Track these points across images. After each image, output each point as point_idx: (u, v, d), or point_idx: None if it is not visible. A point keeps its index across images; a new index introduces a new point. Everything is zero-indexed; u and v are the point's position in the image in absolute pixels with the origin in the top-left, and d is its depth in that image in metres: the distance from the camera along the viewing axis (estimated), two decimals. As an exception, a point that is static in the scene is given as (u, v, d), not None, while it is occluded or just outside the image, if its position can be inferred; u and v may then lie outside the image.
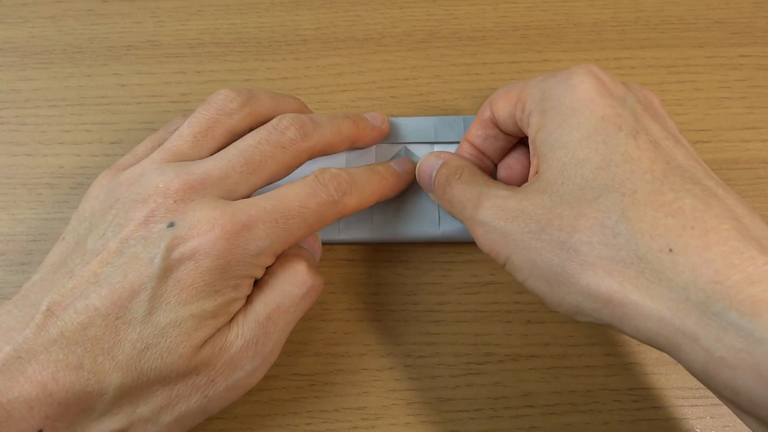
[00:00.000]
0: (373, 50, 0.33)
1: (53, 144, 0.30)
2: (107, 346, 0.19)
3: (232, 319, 0.21)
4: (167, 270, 0.19)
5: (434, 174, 0.25)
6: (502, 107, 0.23)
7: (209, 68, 0.32)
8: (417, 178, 0.26)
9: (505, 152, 0.25)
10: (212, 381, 0.20)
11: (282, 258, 0.22)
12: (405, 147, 0.29)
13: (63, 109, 0.31)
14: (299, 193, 0.22)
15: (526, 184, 0.21)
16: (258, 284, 0.22)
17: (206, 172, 0.21)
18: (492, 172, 0.26)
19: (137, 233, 0.20)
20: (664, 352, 0.17)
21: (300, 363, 0.26)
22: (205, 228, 0.20)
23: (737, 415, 0.17)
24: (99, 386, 0.19)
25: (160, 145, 0.24)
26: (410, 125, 0.29)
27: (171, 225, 0.20)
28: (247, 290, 0.21)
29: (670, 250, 0.16)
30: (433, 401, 0.25)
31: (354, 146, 0.27)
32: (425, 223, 0.27)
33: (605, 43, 0.33)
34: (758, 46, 0.32)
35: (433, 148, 0.29)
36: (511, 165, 0.25)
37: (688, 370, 0.17)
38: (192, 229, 0.20)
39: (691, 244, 0.16)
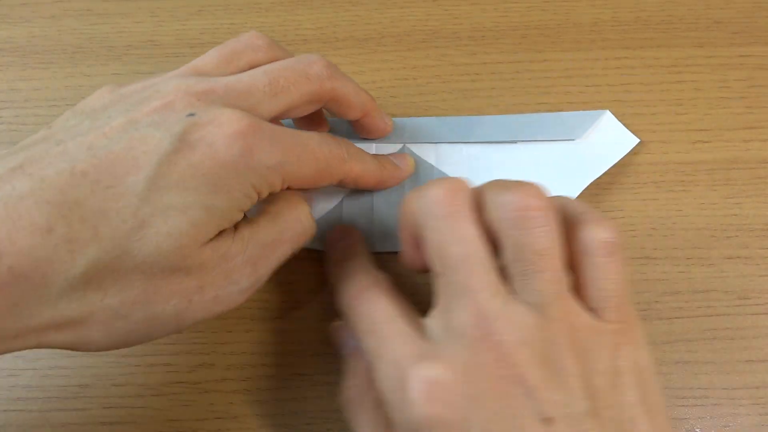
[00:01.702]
0: (373, 50, 0.33)
1: (53, 144, 0.30)
2: (89, 213, 0.16)
3: (237, 231, 0.20)
4: (180, 150, 0.17)
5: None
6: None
7: (209, 68, 0.32)
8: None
9: None
10: (201, 288, 0.19)
11: (289, 194, 0.22)
12: (406, 146, 0.29)
13: (63, 109, 0.31)
14: (315, 137, 0.22)
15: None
16: (265, 210, 0.22)
17: (229, 82, 0.20)
18: None
19: (149, 117, 0.18)
20: None
21: (300, 363, 0.26)
22: (229, 120, 0.18)
23: None
24: (68, 257, 0.16)
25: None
26: (410, 125, 0.29)
27: (191, 114, 0.18)
28: (250, 203, 0.20)
29: None
30: (433, 401, 0.25)
31: (361, 126, 0.27)
32: None
33: (605, 43, 0.33)
34: (758, 46, 0.32)
35: (433, 148, 0.29)
36: (415, 259, 0.23)
37: None
38: (215, 119, 0.18)
39: None
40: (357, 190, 0.28)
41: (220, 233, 0.19)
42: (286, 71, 0.22)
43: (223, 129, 0.18)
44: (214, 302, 0.19)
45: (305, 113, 0.24)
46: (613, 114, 0.29)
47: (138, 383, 0.25)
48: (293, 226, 0.22)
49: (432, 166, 0.28)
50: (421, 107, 0.31)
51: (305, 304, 0.27)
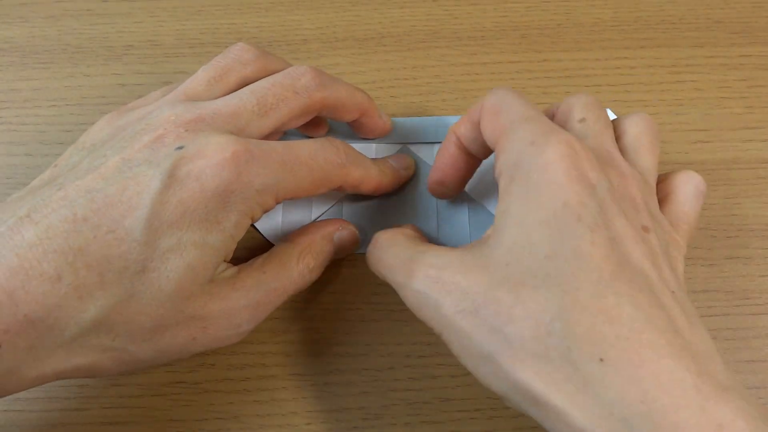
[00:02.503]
0: (373, 50, 0.33)
1: (53, 144, 0.30)
2: (95, 261, 0.17)
3: (241, 277, 0.21)
4: (170, 187, 0.18)
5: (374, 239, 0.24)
6: (487, 127, 0.22)
7: (209, 68, 0.32)
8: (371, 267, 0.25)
9: (490, 152, 0.24)
10: (205, 329, 0.20)
11: (297, 242, 0.23)
12: (406, 146, 0.29)
13: (63, 109, 0.31)
14: (309, 146, 0.21)
15: (468, 248, 0.20)
16: (273, 256, 0.22)
17: (218, 107, 0.21)
18: (475, 170, 0.26)
19: (141, 153, 0.19)
20: None
21: (300, 363, 0.26)
22: (215, 150, 0.19)
23: None
24: (78, 304, 0.17)
25: (171, 89, 0.24)
26: (410, 125, 0.29)
27: (180, 148, 0.19)
28: (242, 231, 0.20)
29: (601, 360, 0.16)
30: (433, 401, 0.25)
31: (358, 126, 0.27)
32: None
33: (605, 43, 0.33)
34: (758, 46, 0.32)
35: (433, 148, 0.29)
36: (445, 170, 0.25)
37: None
38: (201, 150, 0.19)
39: (623, 357, 0.16)
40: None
41: (228, 279, 0.21)
42: (274, 88, 0.22)
43: (209, 160, 0.19)
44: (214, 340, 0.21)
45: (299, 125, 0.24)
46: (612, 113, 0.29)
47: (138, 383, 0.25)
48: (297, 279, 0.22)
49: (430, 165, 0.28)
50: (421, 107, 0.31)
51: (305, 304, 0.27)
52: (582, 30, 0.33)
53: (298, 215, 0.27)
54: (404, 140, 0.29)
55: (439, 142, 0.29)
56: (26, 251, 0.17)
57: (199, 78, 0.23)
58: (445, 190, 0.26)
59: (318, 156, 0.22)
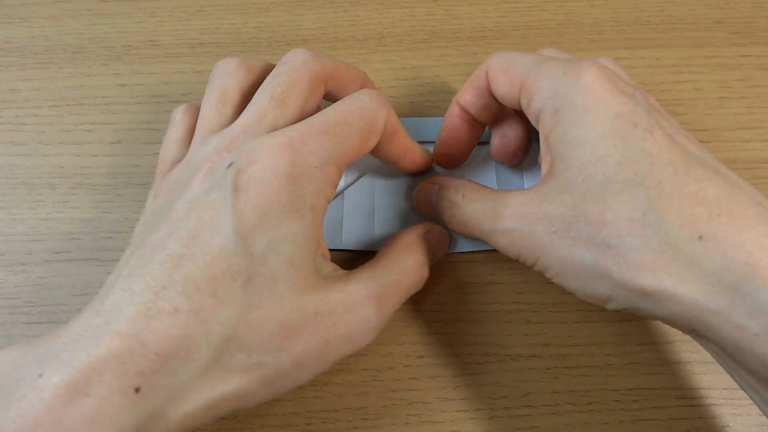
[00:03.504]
0: (373, 50, 0.33)
1: (53, 144, 0.30)
2: (203, 284, 0.18)
3: (353, 273, 0.21)
4: (240, 198, 0.18)
5: (434, 200, 0.25)
6: (502, 84, 0.23)
7: (209, 68, 0.32)
8: (416, 207, 0.27)
9: (497, 116, 0.26)
10: (334, 325, 0.20)
11: (406, 240, 0.24)
12: None
13: (63, 109, 0.31)
14: (342, 106, 0.22)
15: (539, 184, 0.21)
16: (383, 254, 0.23)
17: (243, 123, 0.21)
18: (480, 136, 0.27)
19: (201, 186, 0.20)
20: (693, 332, 0.18)
21: (300, 363, 0.26)
22: (263, 151, 0.19)
23: (756, 390, 0.18)
24: (202, 327, 0.17)
25: (180, 140, 0.24)
26: (410, 125, 0.29)
27: (231, 165, 0.19)
28: (321, 213, 0.20)
29: (700, 238, 0.17)
30: (433, 401, 0.25)
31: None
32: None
33: (605, 43, 0.33)
34: (758, 46, 0.32)
35: (433, 148, 0.29)
36: (506, 134, 0.26)
37: (719, 346, 0.18)
38: (252, 156, 0.19)
39: (720, 230, 0.17)
40: (358, 187, 0.28)
41: (340, 276, 0.21)
42: (278, 78, 0.22)
43: (262, 162, 0.19)
44: (347, 340, 0.20)
45: (318, 102, 0.24)
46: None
47: (138, 383, 0.25)
48: (409, 272, 0.23)
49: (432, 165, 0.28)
50: (421, 107, 0.31)
51: (305, 304, 0.27)
52: (582, 30, 0.33)
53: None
54: None
55: None
56: (139, 298, 0.17)
57: (205, 112, 0.23)
58: (451, 161, 0.27)
59: (353, 108, 0.22)
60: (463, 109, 0.25)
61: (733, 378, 0.19)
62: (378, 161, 0.28)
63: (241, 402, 0.19)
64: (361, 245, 0.27)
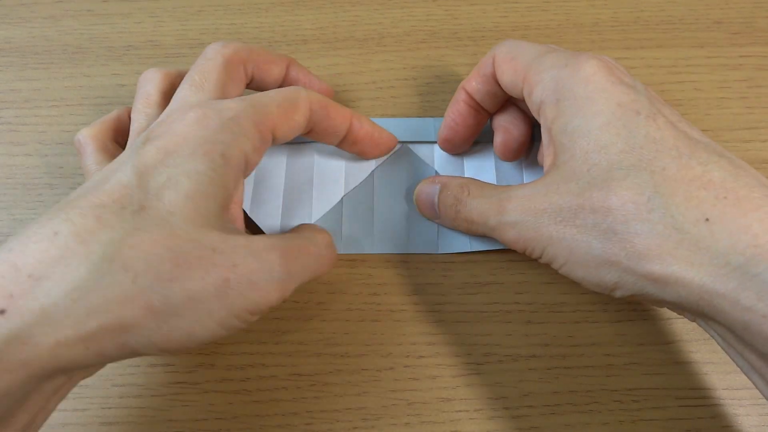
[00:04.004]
0: (373, 50, 0.33)
1: (53, 144, 0.30)
2: (87, 210, 0.18)
3: (259, 234, 0.21)
4: (148, 143, 0.20)
5: (436, 200, 0.25)
6: (506, 73, 0.23)
7: (209, 68, 0.32)
8: (417, 207, 0.27)
9: (501, 104, 0.26)
10: (234, 266, 0.18)
11: (310, 225, 0.24)
12: (405, 146, 0.29)
13: (63, 109, 0.31)
14: (261, 93, 0.22)
15: (544, 176, 0.21)
16: (289, 231, 0.23)
17: (168, 110, 0.22)
18: (485, 123, 0.27)
19: (128, 150, 0.21)
20: (701, 316, 0.18)
21: (300, 363, 0.26)
22: (176, 113, 0.21)
23: (762, 375, 0.18)
24: (82, 248, 0.17)
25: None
26: (410, 125, 0.29)
27: (148, 132, 0.21)
28: (238, 163, 0.20)
29: (707, 220, 0.17)
30: (433, 401, 0.25)
31: (291, 77, 0.27)
32: (426, 239, 0.27)
33: (605, 43, 0.33)
34: (758, 46, 0.32)
35: (433, 147, 0.29)
36: (509, 130, 0.26)
37: (727, 329, 0.18)
38: (165, 119, 0.21)
39: (726, 212, 0.17)
40: (356, 191, 0.28)
41: (247, 234, 0.20)
42: (194, 68, 0.23)
43: (175, 116, 0.20)
44: (251, 287, 0.19)
45: (241, 85, 0.24)
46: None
47: (138, 383, 0.25)
48: (316, 242, 0.22)
49: (430, 165, 0.28)
50: (421, 107, 0.31)
51: (305, 304, 0.27)
52: (582, 30, 0.33)
53: (298, 218, 0.27)
54: (404, 139, 0.29)
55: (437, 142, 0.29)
56: (27, 230, 0.17)
57: (134, 117, 0.24)
58: (454, 146, 0.28)
59: (271, 92, 0.23)
60: (469, 95, 0.26)
61: (737, 363, 0.19)
62: (375, 164, 0.28)
63: (128, 336, 0.17)
64: (361, 249, 0.27)
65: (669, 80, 0.31)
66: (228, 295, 0.18)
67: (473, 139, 0.28)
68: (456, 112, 0.26)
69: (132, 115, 0.24)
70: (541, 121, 0.22)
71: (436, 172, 0.28)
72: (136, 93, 0.25)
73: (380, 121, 0.29)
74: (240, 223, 0.22)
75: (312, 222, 0.27)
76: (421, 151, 0.29)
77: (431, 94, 0.31)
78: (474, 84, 0.25)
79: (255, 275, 0.19)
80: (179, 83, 0.24)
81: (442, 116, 0.30)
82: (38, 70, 0.32)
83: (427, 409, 0.25)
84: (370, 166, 0.28)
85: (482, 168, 0.28)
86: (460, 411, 0.25)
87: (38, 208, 0.29)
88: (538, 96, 0.22)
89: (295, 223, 0.27)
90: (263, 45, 0.33)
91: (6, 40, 0.33)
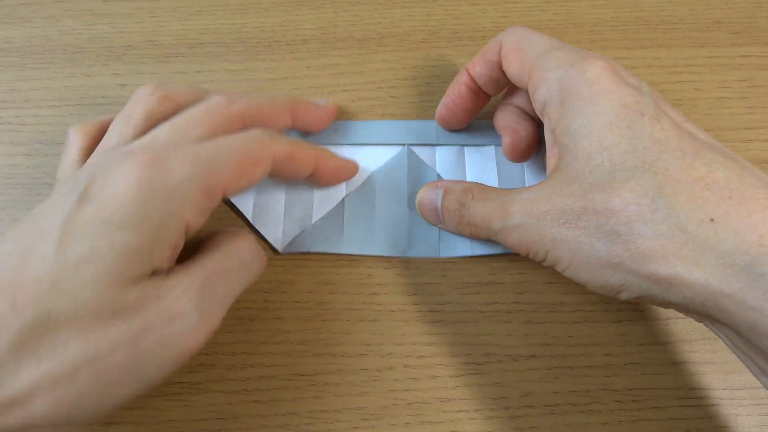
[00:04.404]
0: (373, 50, 0.33)
1: (53, 144, 0.30)
2: (6, 285, 0.17)
3: (171, 271, 0.19)
4: (82, 202, 0.18)
5: (439, 205, 0.25)
6: (513, 65, 0.23)
7: (209, 68, 0.32)
8: (419, 212, 0.27)
9: (502, 89, 0.26)
10: (144, 330, 0.18)
11: (230, 230, 0.23)
12: (408, 148, 0.29)
13: (63, 109, 0.31)
14: (227, 138, 0.21)
15: (547, 179, 0.21)
16: (203, 245, 0.21)
17: (131, 146, 0.21)
18: (484, 105, 0.27)
19: (56, 194, 0.19)
20: (707, 318, 0.18)
21: (300, 363, 0.26)
22: (121, 166, 0.19)
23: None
24: None
25: (73, 162, 0.23)
26: (411, 127, 0.29)
27: (90, 175, 0.19)
28: (176, 232, 0.19)
29: (711, 220, 0.17)
30: (433, 401, 0.25)
31: (298, 124, 0.27)
32: (427, 242, 0.27)
33: (605, 43, 0.33)
34: (758, 46, 0.32)
35: (434, 150, 0.29)
36: (517, 131, 0.26)
37: (733, 330, 0.18)
38: (110, 170, 0.19)
39: (731, 212, 0.17)
40: (358, 192, 0.28)
41: (153, 274, 0.19)
42: (187, 114, 0.22)
43: (118, 174, 0.19)
44: (163, 345, 0.18)
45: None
46: None
47: (138, 383, 0.25)
48: (238, 255, 0.21)
49: (431, 168, 0.28)
50: (421, 107, 0.31)
51: (305, 304, 0.27)
52: (582, 30, 0.33)
53: (299, 219, 0.27)
54: (405, 142, 0.29)
55: (441, 145, 0.29)
56: None
57: (109, 131, 0.23)
58: (451, 125, 0.28)
59: (236, 140, 0.21)
60: (472, 79, 0.26)
61: (747, 365, 0.19)
62: (375, 167, 0.28)
63: (27, 425, 0.17)
64: (363, 250, 0.27)
65: (669, 80, 0.31)
66: (141, 363, 0.18)
67: (470, 120, 0.28)
68: (456, 93, 0.27)
69: (109, 127, 0.23)
70: (545, 122, 0.22)
71: (438, 174, 0.28)
72: (126, 104, 0.24)
73: (382, 122, 0.29)
74: (165, 261, 0.20)
75: (313, 222, 0.27)
76: (423, 153, 0.29)
77: (431, 94, 0.31)
78: (478, 69, 0.25)
79: (166, 331, 0.18)
80: (178, 110, 0.23)
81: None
82: (38, 70, 0.32)
83: (427, 409, 0.25)
84: (370, 167, 0.28)
85: (484, 170, 0.28)
86: (460, 411, 0.25)
87: (38, 208, 0.29)
88: (543, 96, 0.22)
89: (297, 227, 0.27)
90: (263, 45, 0.33)
91: (6, 40, 0.33)
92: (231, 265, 0.21)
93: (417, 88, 0.32)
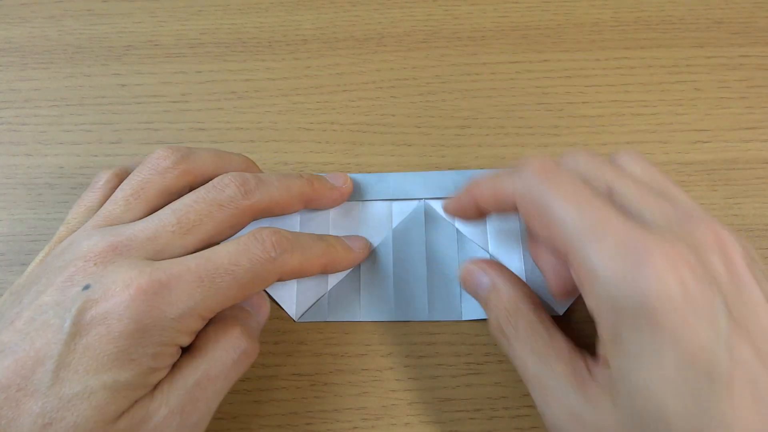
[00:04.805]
0: (373, 50, 0.33)
1: (53, 144, 0.30)
2: (4, 423, 0.17)
3: (156, 387, 0.19)
4: (76, 335, 0.18)
5: (485, 298, 0.23)
6: (536, 227, 0.20)
7: (209, 68, 0.32)
8: (462, 286, 0.25)
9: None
10: None
11: (215, 320, 0.21)
12: (425, 202, 0.28)
13: (63, 109, 0.31)
14: (231, 251, 0.20)
15: (598, 387, 0.19)
16: (188, 348, 0.20)
17: (134, 233, 0.20)
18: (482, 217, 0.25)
19: (52, 298, 0.19)
20: None
21: (300, 363, 0.26)
22: (119, 288, 0.18)
23: None
24: None
25: (90, 209, 0.23)
26: (428, 179, 0.28)
27: (86, 288, 0.19)
28: (169, 359, 0.19)
29: None
30: (433, 401, 0.25)
31: (310, 206, 0.26)
32: (448, 305, 0.26)
33: (605, 43, 0.33)
34: (758, 46, 0.32)
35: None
36: (560, 273, 0.22)
37: None
38: (107, 290, 0.18)
39: None
40: (373, 257, 0.27)
41: (145, 396, 0.19)
42: (197, 204, 0.21)
43: (115, 300, 0.18)
44: None
45: (233, 234, 0.22)
46: (613, 114, 0.29)
47: (138, 383, 0.25)
48: (221, 357, 0.20)
49: (450, 223, 0.27)
50: (421, 107, 0.31)
51: (305, 304, 0.27)
52: (582, 30, 0.33)
53: (312, 287, 0.26)
54: (423, 196, 0.28)
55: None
56: None
57: (117, 199, 0.22)
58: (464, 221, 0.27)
59: (241, 258, 0.20)
60: (478, 203, 0.23)
61: None
62: (392, 222, 0.27)
63: None
64: (382, 317, 0.26)
65: (669, 80, 0.31)
66: None
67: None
68: (461, 212, 0.25)
69: (116, 192, 0.22)
70: (597, 329, 0.19)
71: (458, 231, 0.27)
72: (140, 165, 0.23)
73: (397, 175, 0.28)
74: (159, 379, 0.19)
75: (329, 288, 0.26)
76: (440, 206, 0.27)
77: (431, 94, 0.31)
78: (485, 203, 0.23)
79: None
80: (197, 184, 0.22)
81: (460, 170, 0.29)
82: (38, 70, 0.32)
83: (427, 409, 0.25)
84: (386, 226, 0.27)
85: (508, 235, 0.27)
86: (460, 411, 0.25)
87: (38, 208, 0.29)
88: (593, 302, 0.19)
89: (312, 294, 0.26)
90: (263, 45, 0.33)
91: (6, 40, 0.33)
92: (216, 371, 0.20)
93: (417, 88, 0.32)
